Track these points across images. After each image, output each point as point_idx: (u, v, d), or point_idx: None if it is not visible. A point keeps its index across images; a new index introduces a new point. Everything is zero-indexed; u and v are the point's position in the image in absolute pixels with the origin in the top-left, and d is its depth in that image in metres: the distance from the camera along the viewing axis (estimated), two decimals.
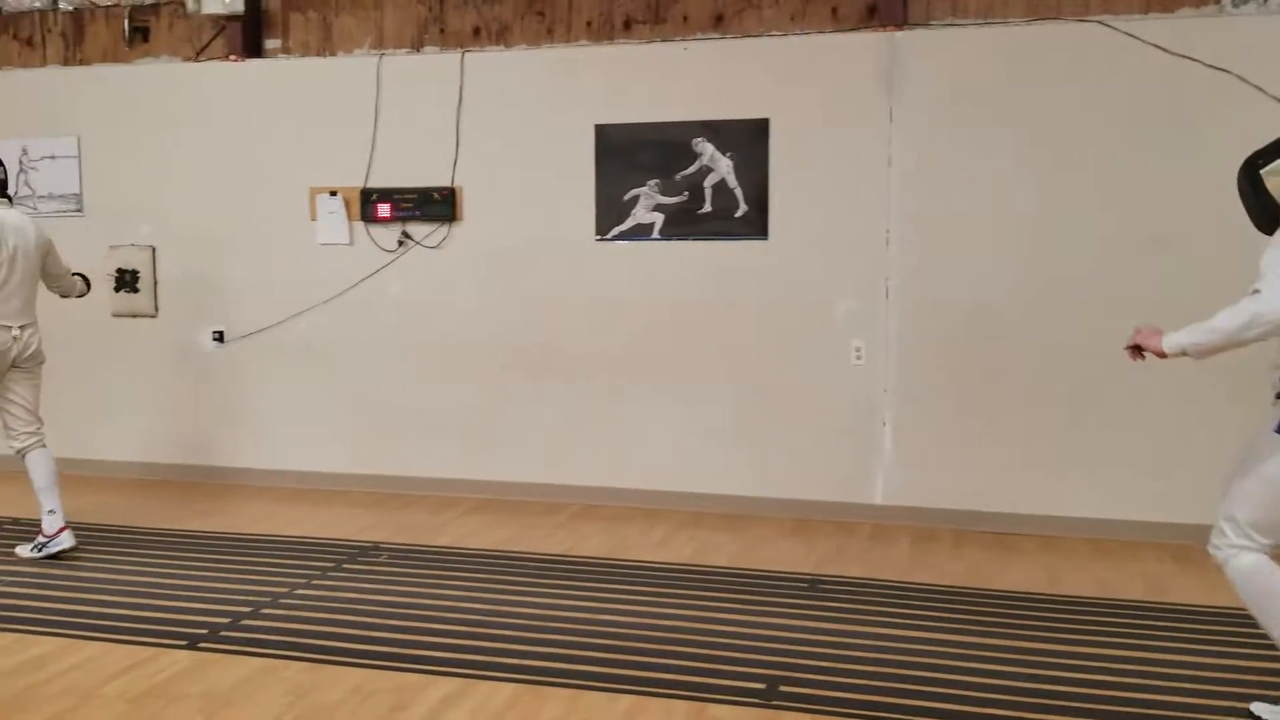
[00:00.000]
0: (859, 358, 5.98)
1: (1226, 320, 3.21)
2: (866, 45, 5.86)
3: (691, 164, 6.13)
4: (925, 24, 5.89)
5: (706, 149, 6.09)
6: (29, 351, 5.38)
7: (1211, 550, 3.53)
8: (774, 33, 6.13)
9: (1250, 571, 3.43)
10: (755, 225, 6.07)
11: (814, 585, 4.97)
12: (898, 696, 3.79)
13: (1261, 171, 3.36)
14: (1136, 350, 3.49)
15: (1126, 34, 5.47)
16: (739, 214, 6.09)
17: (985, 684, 3.89)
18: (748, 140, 6.03)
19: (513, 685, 3.88)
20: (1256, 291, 3.18)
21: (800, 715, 3.65)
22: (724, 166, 6.08)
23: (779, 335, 6.09)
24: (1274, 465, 3.33)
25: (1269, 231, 3.36)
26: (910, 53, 5.79)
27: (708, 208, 6.13)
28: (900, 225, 5.86)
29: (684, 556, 5.44)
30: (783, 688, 3.86)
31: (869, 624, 4.47)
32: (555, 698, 3.79)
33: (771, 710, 3.69)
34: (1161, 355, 3.37)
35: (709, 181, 6.11)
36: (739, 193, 6.07)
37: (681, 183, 6.15)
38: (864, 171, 5.89)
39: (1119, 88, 5.51)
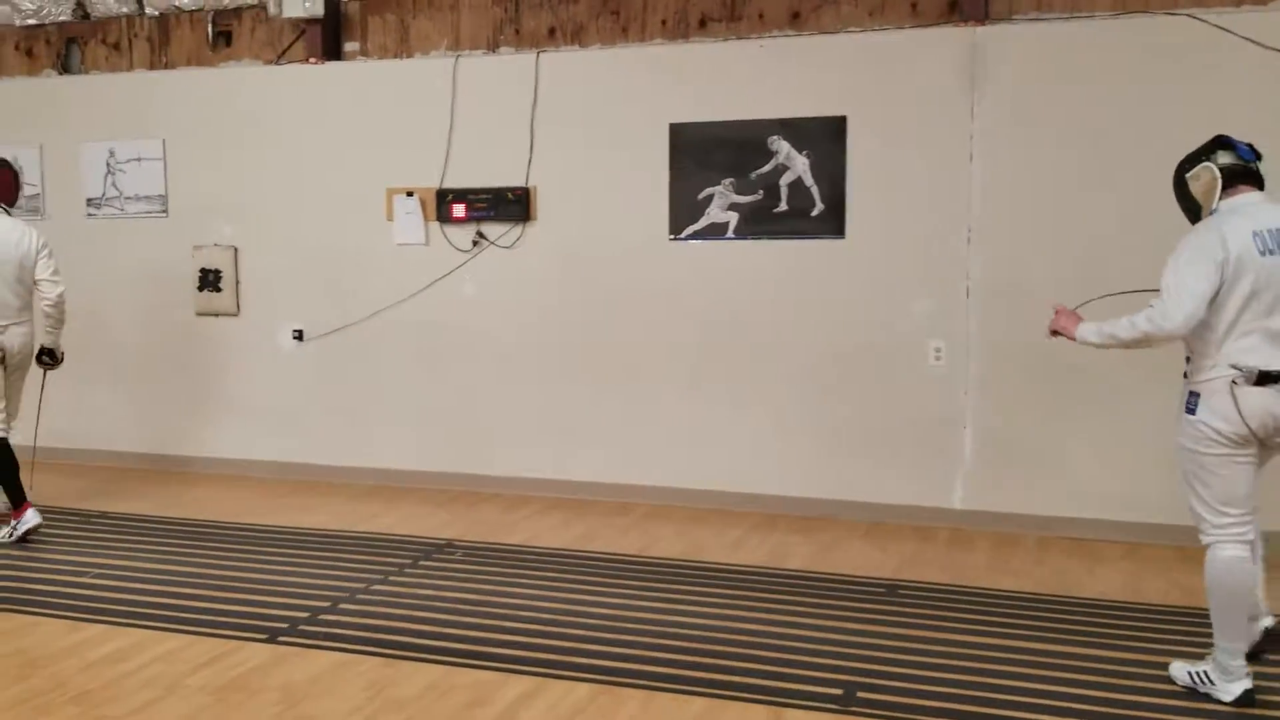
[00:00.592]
0: (938, 358, 5.88)
1: (1124, 331, 3.69)
2: (947, 41, 5.76)
3: (767, 163, 6.08)
4: (1008, 19, 5.77)
5: (782, 147, 6.04)
6: (13, 347, 5.76)
7: (1201, 540, 3.75)
8: (852, 29, 6.06)
9: (1230, 565, 3.67)
10: (832, 224, 6.00)
11: (892, 590, 4.89)
12: (978, 705, 3.71)
13: (1186, 175, 3.79)
14: (1055, 331, 3.99)
15: (1218, 27, 5.30)
16: (815, 213, 6.02)
17: (1069, 693, 3.80)
18: (824, 138, 5.96)
19: (587, 685, 3.88)
20: (1153, 306, 3.60)
21: None
22: (800, 165, 6.02)
23: (856, 336, 6.01)
24: (1180, 434, 3.72)
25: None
26: (993, 48, 5.68)
27: (783, 207, 6.07)
28: (982, 223, 5.75)
29: (758, 559, 5.40)
30: (860, 694, 3.80)
31: (949, 630, 4.39)
32: (630, 698, 3.77)
33: (849, 717, 3.64)
34: (1071, 339, 3.89)
35: (785, 180, 6.06)
36: (815, 191, 6.00)
37: (757, 181, 6.11)
38: (944, 169, 5.79)
39: (1210, 84, 5.34)
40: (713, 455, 6.32)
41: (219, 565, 5.31)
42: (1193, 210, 3.79)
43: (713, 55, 6.19)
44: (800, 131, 6.00)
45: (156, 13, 7.55)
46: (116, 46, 7.79)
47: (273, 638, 4.34)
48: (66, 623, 4.52)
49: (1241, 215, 3.62)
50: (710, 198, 6.20)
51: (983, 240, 5.75)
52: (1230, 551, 3.66)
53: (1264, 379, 3.54)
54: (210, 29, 7.49)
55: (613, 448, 6.51)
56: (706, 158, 6.19)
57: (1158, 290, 3.65)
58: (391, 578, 5.10)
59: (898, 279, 5.93)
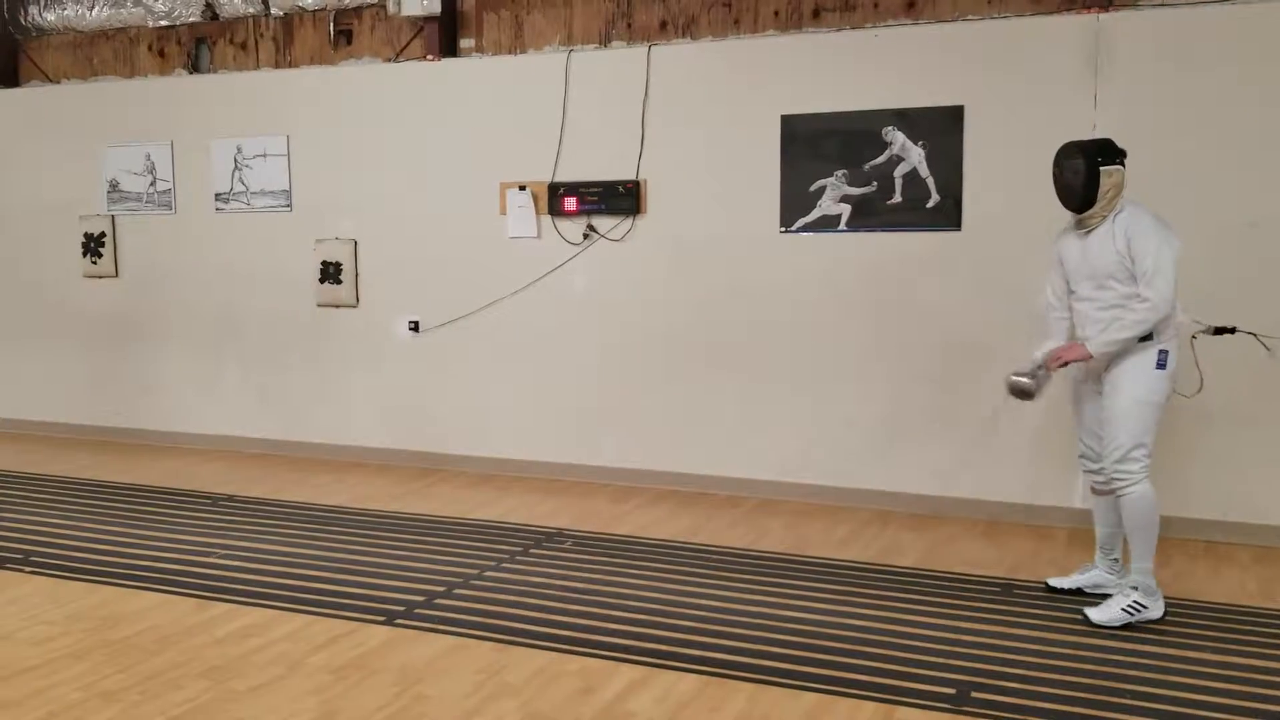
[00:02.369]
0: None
1: (1133, 330, 4.20)
2: (1069, 28, 5.60)
3: (881, 154, 6.00)
4: (1133, 4, 5.59)
5: (897, 138, 5.95)
6: None
7: (1121, 479, 4.24)
8: (970, 17, 5.94)
9: (1151, 497, 4.26)
10: (948, 216, 5.89)
11: (1007, 589, 4.79)
12: (1095, 709, 3.62)
13: (1101, 168, 4.28)
14: (1061, 363, 4.41)
15: None
16: (930, 204, 5.92)
17: (1193, 700, 3.68)
18: (941, 128, 5.86)
19: (696, 676, 3.89)
20: (1144, 298, 4.16)
21: None
22: (915, 156, 5.92)
23: (972, 329, 5.90)
24: (1146, 390, 4.23)
25: (1075, 209, 4.36)
26: (1118, 35, 5.50)
27: (898, 198, 5.99)
28: None
29: (869, 555, 5.34)
30: (975, 694, 3.74)
31: (1066, 631, 4.29)
32: (739, 691, 3.78)
33: (963, 716, 3.59)
34: (1088, 358, 4.33)
35: (899, 171, 5.97)
36: (931, 182, 5.90)
37: (870, 173, 6.03)
38: None
39: None
40: (823, 450, 6.28)
41: (339, 548, 5.46)
42: (1087, 197, 4.29)
43: (826, 45, 6.13)
44: (916, 122, 5.91)
45: (281, 13, 7.79)
46: (244, 46, 8.06)
47: (390, 620, 4.46)
48: (196, 601, 4.71)
49: (1138, 205, 4.32)
50: (822, 189, 6.15)
51: None
52: (1147, 485, 4.26)
53: (1220, 330, 4.55)
54: (332, 28, 7.70)
55: (722, 440, 6.51)
56: (819, 149, 6.13)
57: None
58: (504, 564, 5.19)
59: (1017, 272, 5.79)
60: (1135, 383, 4.26)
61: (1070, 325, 4.56)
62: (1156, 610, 4.34)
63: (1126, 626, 4.30)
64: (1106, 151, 4.32)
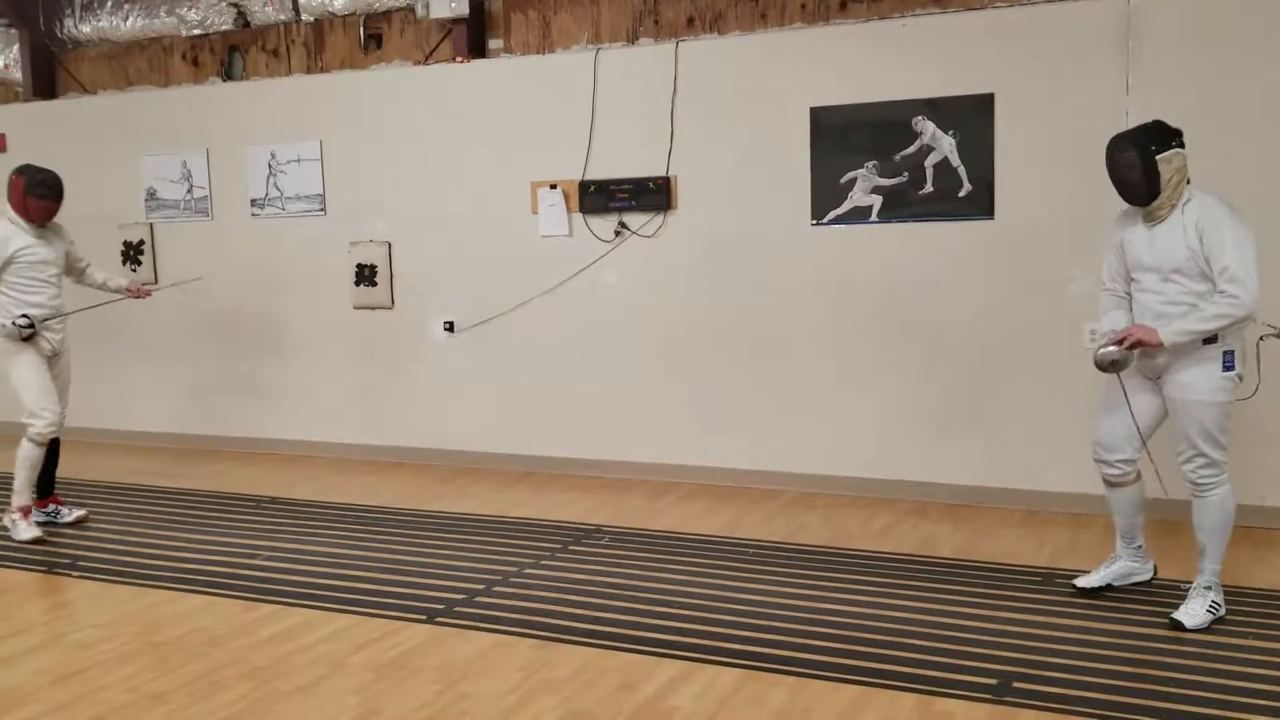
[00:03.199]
0: (1094, 341, 5.66)
1: (1213, 324, 3.97)
2: (1100, 12, 5.55)
3: (911, 144, 5.97)
4: None
5: (927, 128, 5.92)
6: None
7: (1204, 482, 4.15)
8: (999, 4, 5.89)
9: (1232, 499, 4.18)
10: (980, 205, 5.86)
11: (1048, 579, 4.77)
12: (1137, 698, 3.60)
13: (1157, 157, 4.03)
14: (1136, 343, 4.11)
15: None
16: (962, 193, 5.89)
17: (1230, 685, 3.65)
18: (971, 117, 5.82)
19: (737, 670, 3.90)
20: (1229, 295, 3.93)
21: (1035, 714, 3.52)
22: (946, 145, 5.89)
23: (1007, 318, 5.86)
24: (1212, 391, 4.08)
25: (1141, 204, 4.12)
26: (1149, 19, 5.44)
27: (929, 188, 5.96)
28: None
29: (908, 547, 5.32)
30: (1016, 684, 3.72)
31: (1108, 620, 4.26)
32: (779, 684, 3.78)
33: (1004, 707, 3.57)
34: (1159, 344, 4.07)
35: (930, 161, 5.94)
36: (962, 172, 5.87)
37: (901, 163, 6.00)
38: (1098, 145, 5.51)
39: None
40: (859, 441, 6.26)
41: (380, 548, 5.52)
42: (1150, 190, 4.06)
43: (854, 36, 6.11)
44: (946, 111, 5.88)
45: (312, 19, 7.86)
46: (275, 53, 8.14)
47: (431, 619, 4.50)
48: (241, 602, 4.77)
49: (1209, 194, 4.11)
50: (853, 181, 6.13)
51: None
52: (1229, 485, 4.18)
53: None
54: (362, 32, 7.76)
55: (758, 434, 6.51)
56: (848, 141, 6.11)
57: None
58: (543, 562, 5.22)
59: (1051, 259, 5.75)
60: (1204, 385, 4.08)
61: (1129, 304, 4.33)
62: (1223, 606, 4.24)
63: (1153, 612, 4.27)
64: (1159, 136, 4.08)
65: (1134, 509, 4.48)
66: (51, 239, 5.87)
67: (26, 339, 5.68)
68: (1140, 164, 4.05)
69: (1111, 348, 4.20)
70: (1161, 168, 4.04)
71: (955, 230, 5.94)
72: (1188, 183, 4.13)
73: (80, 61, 8.86)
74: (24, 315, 5.66)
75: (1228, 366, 4.09)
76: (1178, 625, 4.16)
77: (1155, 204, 4.11)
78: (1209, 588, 4.23)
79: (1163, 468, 5.01)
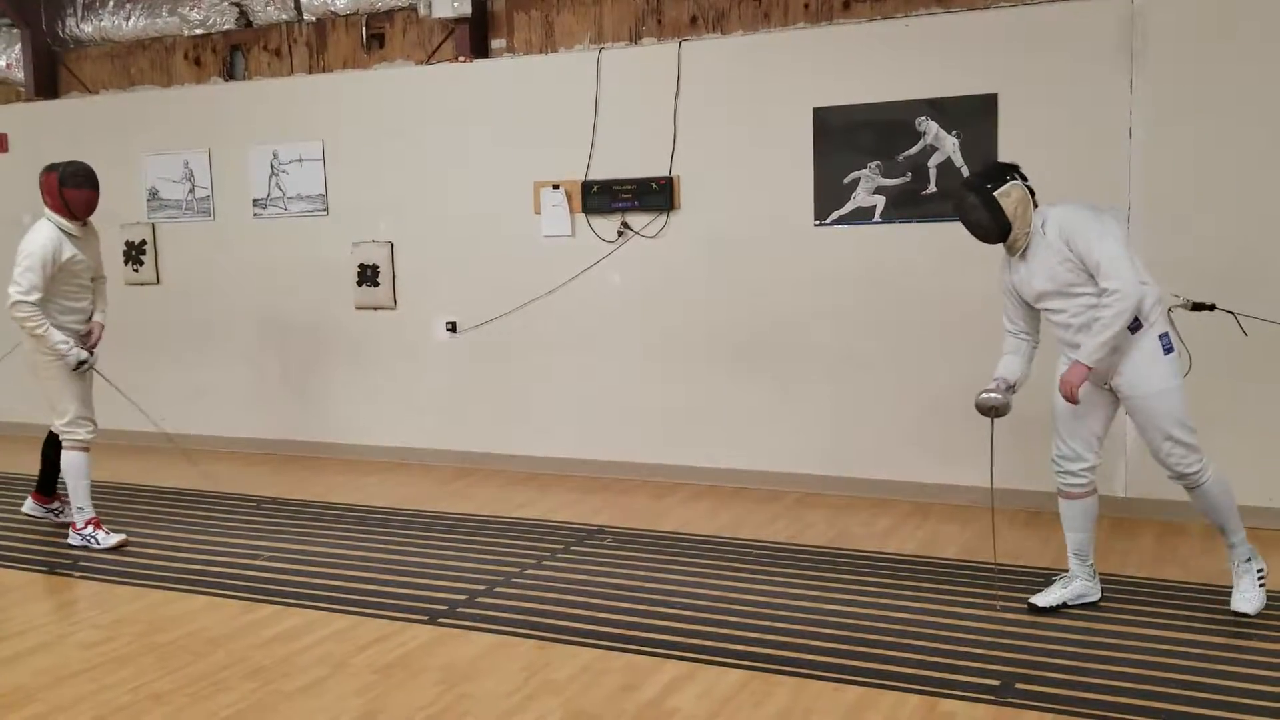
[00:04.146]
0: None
1: (1116, 327, 4.03)
2: (1103, 12, 5.53)
3: (914, 144, 5.96)
4: None
5: (931, 128, 5.91)
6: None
7: (1188, 470, 4.15)
8: (1002, 4, 5.88)
9: (1223, 478, 4.19)
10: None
11: (1050, 580, 4.74)
12: (1140, 699, 3.59)
13: (995, 193, 4.18)
14: (1073, 390, 4.16)
15: None
16: None
17: (1237, 688, 3.64)
18: (975, 117, 5.81)
19: (739, 671, 3.90)
20: (1110, 291, 4.01)
21: (1038, 714, 3.51)
22: (949, 145, 5.88)
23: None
24: (1164, 378, 4.13)
25: (996, 241, 4.27)
26: (1153, 19, 5.43)
27: (932, 188, 5.95)
28: (1143, 201, 5.51)
29: (911, 548, 5.32)
30: (1019, 685, 3.71)
31: (1110, 621, 4.25)
32: (782, 685, 3.77)
33: (1007, 708, 3.56)
34: (1087, 370, 4.12)
35: (933, 161, 5.93)
36: (965, 172, 5.85)
37: (904, 163, 5.99)
38: (1102, 145, 5.58)
39: None
40: (863, 443, 6.25)
41: (381, 549, 5.51)
42: (1000, 225, 4.21)
43: (857, 36, 6.10)
44: (949, 111, 5.86)
45: (314, 18, 7.86)
46: (277, 52, 8.13)
47: (433, 619, 4.49)
48: (242, 603, 4.77)
49: (1061, 205, 4.26)
50: (856, 181, 6.12)
51: (1143, 220, 5.51)
52: (1215, 467, 4.20)
53: (1198, 306, 4.46)
54: (364, 32, 7.76)
55: (762, 435, 6.50)
56: (852, 141, 6.10)
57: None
58: (545, 562, 5.21)
59: None
60: (1151, 376, 4.13)
61: (1032, 345, 4.46)
62: (1267, 568, 4.32)
63: (1156, 613, 4.25)
64: (993, 174, 4.26)
65: (1089, 522, 4.40)
66: (89, 240, 5.75)
67: (79, 372, 5.61)
68: (981, 203, 4.20)
69: (993, 394, 4.34)
70: (1002, 202, 4.17)
71: (959, 231, 5.88)
72: (1035, 208, 4.24)
73: (82, 61, 8.86)
74: (86, 354, 5.60)
75: (1168, 349, 4.15)
76: (1241, 615, 4.19)
77: (1010, 237, 4.24)
78: (1248, 559, 4.26)
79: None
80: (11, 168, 8.60)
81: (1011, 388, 4.42)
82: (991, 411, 4.38)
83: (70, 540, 5.70)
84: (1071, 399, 4.19)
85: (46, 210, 5.61)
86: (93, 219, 5.76)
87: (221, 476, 7.21)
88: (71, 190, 5.53)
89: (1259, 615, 4.24)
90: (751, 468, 6.53)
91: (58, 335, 5.48)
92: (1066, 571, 4.49)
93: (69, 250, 5.55)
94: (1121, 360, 4.16)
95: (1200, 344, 4.44)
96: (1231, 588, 4.32)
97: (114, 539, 5.67)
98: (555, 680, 3.88)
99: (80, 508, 5.68)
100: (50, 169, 5.64)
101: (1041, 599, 4.42)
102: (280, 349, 7.88)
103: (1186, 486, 4.23)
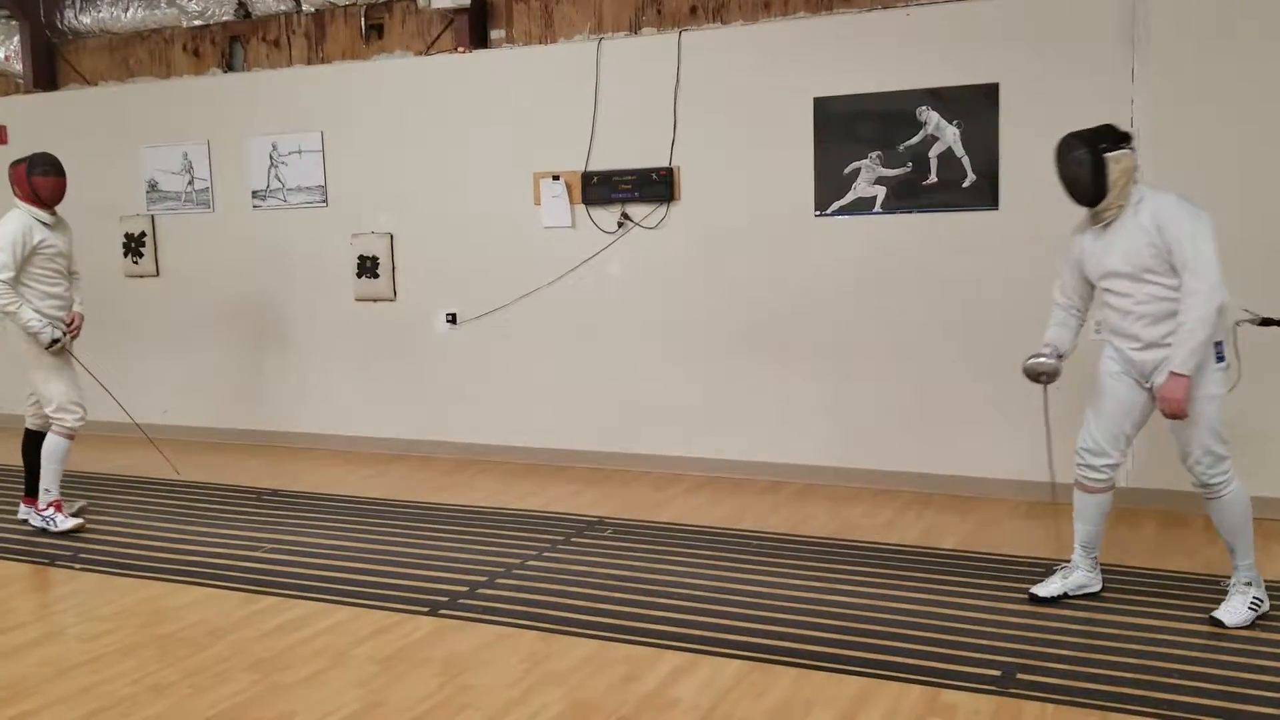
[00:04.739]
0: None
1: (1202, 332, 3.92)
2: (1104, 2, 5.51)
3: (915, 134, 5.94)
4: None
5: (931, 117, 5.89)
6: None
7: (1215, 482, 4.07)
8: None
9: (1245, 495, 4.11)
10: (985, 195, 5.83)
11: (1053, 570, 4.74)
12: (1142, 689, 3.59)
13: (1106, 155, 4.03)
14: (1178, 412, 4.02)
15: None
16: (967, 184, 5.86)
17: (1239, 678, 3.64)
18: (976, 107, 5.80)
19: (740, 661, 3.89)
20: (1194, 291, 3.90)
21: (1039, 705, 3.51)
22: (950, 135, 5.87)
23: (1012, 308, 5.83)
24: (1208, 385, 4.02)
25: (1088, 203, 4.13)
26: (1155, 8, 5.41)
27: (933, 178, 5.93)
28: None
29: (912, 538, 5.31)
30: (1020, 675, 3.71)
31: (1113, 612, 4.25)
32: (783, 676, 3.77)
33: (1009, 698, 3.56)
34: (1187, 383, 3.98)
35: (934, 151, 5.91)
36: (967, 162, 5.85)
37: (905, 154, 5.98)
38: None
39: None
40: (864, 434, 6.25)
41: (383, 540, 5.51)
42: (1097, 189, 4.06)
43: (858, 26, 6.08)
44: (950, 101, 5.85)
45: (313, 9, 7.83)
46: (276, 43, 8.11)
47: (434, 611, 4.49)
48: (243, 595, 4.76)
49: (1162, 191, 4.11)
50: (857, 172, 6.10)
51: None
52: (1239, 481, 4.11)
53: (1268, 322, 4.33)
54: (363, 23, 7.73)
55: (761, 425, 6.49)
56: (852, 131, 6.09)
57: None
58: (545, 554, 5.20)
59: (1056, 250, 5.66)
60: (1201, 382, 4.01)
61: (1080, 322, 4.40)
62: (1266, 601, 4.16)
63: (1158, 603, 4.25)
64: (1109, 137, 4.09)
65: (1101, 517, 4.37)
66: (63, 231, 5.87)
67: (53, 351, 5.70)
68: (1089, 161, 4.05)
69: (1044, 359, 4.28)
70: (1109, 166, 4.04)
71: (959, 221, 5.92)
72: (1136, 184, 4.12)
73: (81, 53, 8.84)
74: (59, 333, 5.70)
75: (1220, 358, 4.05)
76: (1217, 623, 4.08)
77: (1102, 204, 4.11)
78: (1249, 584, 4.15)
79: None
80: (11, 159, 8.55)
81: (1061, 356, 4.34)
82: (1042, 376, 4.32)
83: (30, 520, 5.84)
84: (1181, 413, 4.02)
85: (16, 200, 5.77)
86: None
87: (221, 468, 7.21)
88: (39, 178, 5.70)
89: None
90: (752, 458, 6.53)
91: (29, 313, 5.61)
92: (1068, 561, 4.48)
93: (40, 234, 5.69)
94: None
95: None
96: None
97: (71, 522, 5.78)
98: (556, 671, 3.88)
99: (47, 489, 5.79)
100: (17, 162, 5.81)
101: (1042, 589, 4.40)
102: (280, 341, 7.87)
103: (1206, 496, 4.15)
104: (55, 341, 5.68)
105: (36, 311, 5.64)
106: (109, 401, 6.39)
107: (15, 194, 5.75)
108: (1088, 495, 4.37)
